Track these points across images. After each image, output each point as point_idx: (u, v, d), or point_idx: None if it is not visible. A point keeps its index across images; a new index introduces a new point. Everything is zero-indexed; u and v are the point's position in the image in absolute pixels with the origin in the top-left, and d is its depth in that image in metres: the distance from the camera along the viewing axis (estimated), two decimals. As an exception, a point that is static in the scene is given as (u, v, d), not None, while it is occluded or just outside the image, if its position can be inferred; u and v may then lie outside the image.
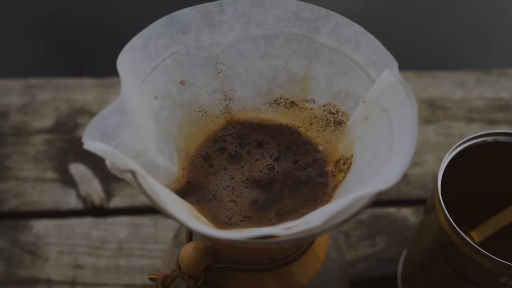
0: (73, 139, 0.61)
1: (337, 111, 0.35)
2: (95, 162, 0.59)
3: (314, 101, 0.36)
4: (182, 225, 0.31)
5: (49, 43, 1.11)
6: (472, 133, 0.43)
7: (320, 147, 0.36)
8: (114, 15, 1.13)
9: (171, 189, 0.33)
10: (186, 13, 0.34)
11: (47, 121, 0.62)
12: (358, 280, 0.51)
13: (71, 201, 0.57)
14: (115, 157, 0.27)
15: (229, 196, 0.34)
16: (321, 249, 0.37)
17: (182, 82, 0.34)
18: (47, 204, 0.56)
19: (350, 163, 0.33)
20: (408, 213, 0.56)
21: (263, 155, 0.36)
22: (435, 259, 0.41)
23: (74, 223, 0.55)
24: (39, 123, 0.62)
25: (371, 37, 0.33)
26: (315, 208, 0.33)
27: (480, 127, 0.62)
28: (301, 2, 0.34)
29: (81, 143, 0.27)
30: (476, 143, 0.42)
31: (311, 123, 0.36)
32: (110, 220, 0.55)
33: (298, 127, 0.36)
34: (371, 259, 0.53)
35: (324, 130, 0.36)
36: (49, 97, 0.64)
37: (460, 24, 1.15)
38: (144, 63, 0.32)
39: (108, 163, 0.28)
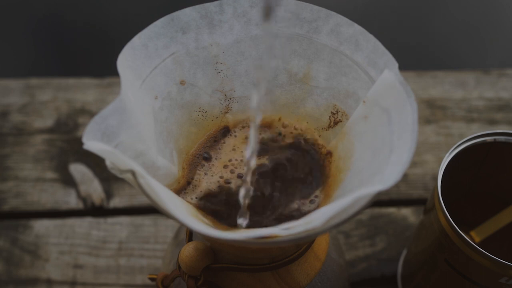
0: (73, 139, 0.61)
1: (337, 111, 0.35)
2: (95, 162, 0.59)
3: (314, 101, 0.36)
4: (182, 225, 0.31)
5: (49, 43, 1.12)
6: (472, 133, 0.43)
7: (319, 147, 0.36)
8: (114, 16, 1.13)
9: (171, 189, 0.33)
10: (186, 13, 0.34)
11: (47, 121, 0.62)
12: (358, 280, 0.51)
13: (71, 201, 0.57)
14: (115, 157, 0.27)
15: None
16: (321, 249, 0.37)
17: (182, 82, 0.34)
18: (47, 204, 0.56)
19: (350, 161, 0.33)
20: (408, 213, 0.56)
21: (262, 155, 0.36)
22: (435, 259, 0.41)
23: (74, 223, 0.55)
24: (39, 123, 0.62)
25: (371, 37, 0.33)
26: (313, 208, 0.33)
27: (480, 127, 0.62)
28: (301, 2, 0.34)
29: (81, 143, 0.27)
30: (476, 143, 0.42)
31: (311, 123, 0.36)
32: (110, 220, 0.55)
33: (298, 127, 0.36)
34: (371, 259, 0.53)
35: (324, 130, 0.36)
36: (49, 97, 0.64)
37: (460, 24, 1.15)
38: (144, 63, 0.32)
39: (108, 163, 0.28)
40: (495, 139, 0.42)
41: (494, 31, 1.14)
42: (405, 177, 0.58)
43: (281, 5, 0.34)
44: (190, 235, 0.35)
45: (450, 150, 0.41)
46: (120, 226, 0.55)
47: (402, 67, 0.33)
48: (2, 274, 0.52)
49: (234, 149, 0.36)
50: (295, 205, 0.33)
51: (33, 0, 1.15)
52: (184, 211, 0.29)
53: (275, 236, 0.27)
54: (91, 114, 0.63)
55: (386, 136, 0.30)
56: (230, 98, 0.36)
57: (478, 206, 0.48)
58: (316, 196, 0.33)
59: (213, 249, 0.33)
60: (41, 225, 0.55)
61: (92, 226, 0.55)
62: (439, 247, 0.40)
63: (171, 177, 0.33)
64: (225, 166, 0.35)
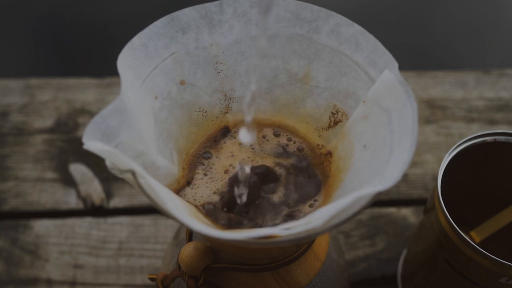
0: (73, 139, 0.61)
1: (337, 111, 0.35)
2: (95, 162, 0.59)
3: (314, 101, 0.36)
4: (182, 225, 0.31)
5: (49, 43, 1.11)
6: (472, 133, 0.43)
7: (319, 147, 0.36)
8: (114, 16, 1.13)
9: (171, 189, 0.33)
10: (186, 13, 0.34)
11: (47, 121, 0.62)
12: (358, 280, 0.51)
13: (71, 201, 0.57)
14: (115, 157, 0.27)
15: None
16: (321, 249, 0.37)
17: (182, 82, 0.34)
18: (47, 204, 0.56)
19: (350, 161, 0.33)
20: (408, 213, 0.56)
21: (262, 155, 0.36)
22: (435, 259, 0.41)
23: (74, 223, 0.55)
24: (39, 123, 0.62)
25: (371, 37, 0.33)
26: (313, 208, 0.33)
27: (480, 127, 0.62)
28: (301, 2, 0.34)
29: (81, 143, 0.27)
30: (476, 143, 0.42)
31: (311, 123, 0.36)
32: (110, 220, 0.55)
33: (298, 127, 0.36)
34: (371, 259, 0.53)
35: (324, 130, 0.36)
36: (49, 97, 0.64)
37: (460, 24, 1.15)
38: (144, 63, 0.32)
39: (108, 163, 0.28)
40: (495, 139, 0.42)
41: (494, 31, 1.14)
42: (405, 177, 0.58)
43: (281, 5, 0.34)
44: (190, 235, 0.35)
45: (450, 150, 0.41)
46: (120, 226, 0.55)
47: (402, 67, 0.33)
48: (2, 274, 0.52)
49: (234, 149, 0.36)
50: (294, 207, 0.33)
51: (33, 0, 1.15)
52: (184, 211, 0.29)
53: (275, 236, 0.27)
54: (91, 114, 0.63)
55: (386, 136, 0.30)
56: (230, 98, 0.36)
57: (478, 206, 0.48)
58: (316, 200, 0.33)
59: (213, 249, 0.33)
60: (41, 225, 0.55)
61: (92, 226, 0.55)
62: (439, 247, 0.40)
63: (171, 177, 0.33)
64: (224, 167, 0.35)
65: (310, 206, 0.33)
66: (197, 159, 0.35)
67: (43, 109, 0.63)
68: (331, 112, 0.35)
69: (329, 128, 0.35)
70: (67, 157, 0.60)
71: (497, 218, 0.45)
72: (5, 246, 0.54)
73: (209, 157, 0.35)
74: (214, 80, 0.35)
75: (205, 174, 0.34)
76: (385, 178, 0.27)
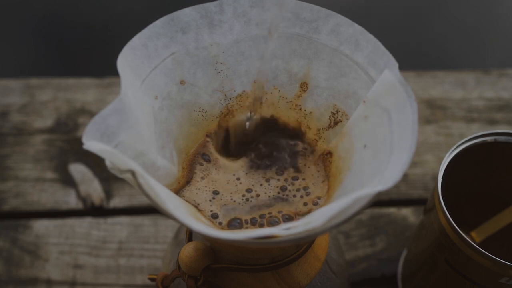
0: (73, 139, 0.61)
1: (337, 111, 0.35)
2: (95, 162, 0.59)
3: (314, 101, 0.36)
4: (182, 225, 0.31)
5: (49, 43, 1.12)
6: (472, 133, 0.43)
7: (319, 147, 0.36)
8: (114, 16, 1.13)
9: (171, 189, 0.33)
10: (186, 13, 0.34)
11: (47, 121, 0.62)
12: (358, 280, 0.51)
13: (71, 201, 0.57)
14: (115, 157, 0.27)
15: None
16: (321, 249, 0.37)
17: (182, 82, 0.34)
18: (47, 204, 0.56)
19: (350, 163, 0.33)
20: (408, 213, 0.56)
21: (262, 156, 0.36)
22: (435, 259, 0.41)
23: (74, 223, 0.55)
24: (39, 123, 0.62)
25: (371, 37, 0.33)
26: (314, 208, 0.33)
27: (480, 127, 0.62)
28: (301, 2, 0.34)
29: (81, 143, 0.27)
30: (476, 143, 0.42)
31: (311, 123, 0.36)
32: (110, 220, 0.55)
33: (297, 127, 0.36)
34: (371, 259, 0.53)
35: (324, 130, 0.36)
36: (49, 97, 0.64)
37: (460, 24, 1.15)
38: (144, 63, 0.32)
39: (108, 163, 0.28)
40: (495, 139, 0.42)
41: (494, 31, 1.14)
42: (405, 177, 0.58)
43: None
44: (190, 235, 0.35)
45: (451, 150, 0.41)
46: (120, 226, 0.55)
47: (402, 67, 0.33)
48: (2, 274, 0.52)
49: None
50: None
51: (33, 0, 1.15)
52: (184, 211, 0.29)
53: (275, 236, 0.27)
54: (91, 114, 0.63)
55: (386, 136, 0.30)
56: (230, 98, 0.36)
57: (478, 206, 0.48)
58: (319, 198, 0.33)
59: (213, 249, 0.33)
60: (41, 225, 0.55)
61: (92, 226, 0.55)
62: (439, 247, 0.40)
63: (171, 177, 0.33)
64: (224, 167, 0.35)
65: (314, 203, 0.33)
66: (197, 159, 0.35)
67: (43, 109, 0.63)
68: (331, 112, 0.35)
69: (329, 128, 0.35)
70: (67, 157, 0.60)
71: (497, 218, 0.45)
72: (5, 246, 0.53)
73: (209, 157, 0.35)
74: (214, 80, 0.35)
75: (202, 178, 0.34)
76: (385, 178, 0.27)
